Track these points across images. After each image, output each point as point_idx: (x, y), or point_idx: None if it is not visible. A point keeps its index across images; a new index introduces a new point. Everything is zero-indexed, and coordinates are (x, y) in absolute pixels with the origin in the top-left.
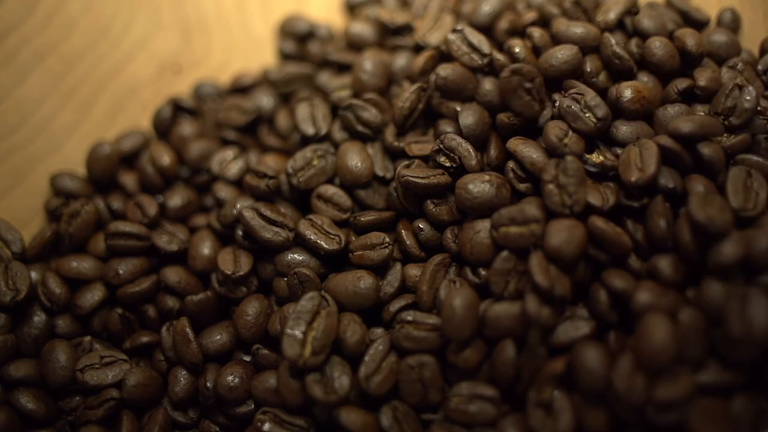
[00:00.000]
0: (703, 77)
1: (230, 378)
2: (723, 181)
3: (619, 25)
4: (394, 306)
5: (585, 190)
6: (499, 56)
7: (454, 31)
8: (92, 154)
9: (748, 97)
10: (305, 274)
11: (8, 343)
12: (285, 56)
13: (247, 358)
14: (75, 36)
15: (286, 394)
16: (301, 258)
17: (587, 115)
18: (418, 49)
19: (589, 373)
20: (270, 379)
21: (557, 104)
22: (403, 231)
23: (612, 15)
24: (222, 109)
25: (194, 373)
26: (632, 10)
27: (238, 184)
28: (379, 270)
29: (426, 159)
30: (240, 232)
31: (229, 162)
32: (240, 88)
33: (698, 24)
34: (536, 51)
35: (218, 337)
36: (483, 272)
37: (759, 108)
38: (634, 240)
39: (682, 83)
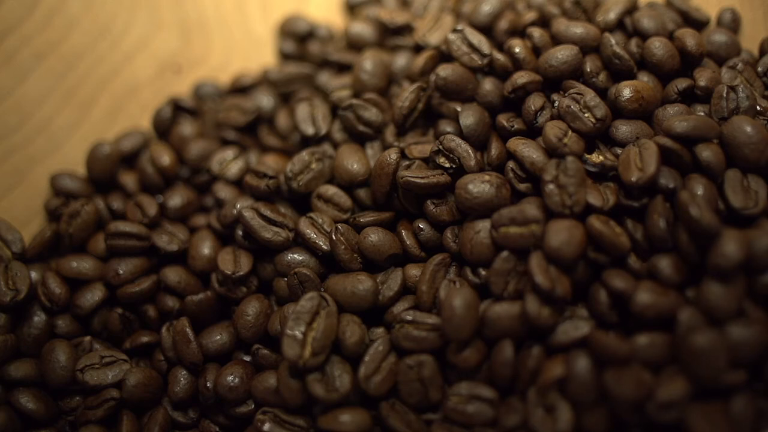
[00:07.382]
0: (703, 77)
1: (230, 378)
2: (721, 182)
3: (619, 25)
4: (398, 308)
5: (585, 190)
6: (499, 56)
7: (454, 31)
8: (92, 154)
9: (744, 95)
10: (305, 274)
11: (8, 343)
12: (285, 56)
13: (247, 358)
14: (75, 36)
15: (286, 394)
16: (301, 258)
17: (586, 115)
18: (418, 49)
19: (581, 384)
20: (270, 379)
21: (556, 104)
22: (403, 231)
23: (612, 15)
24: (222, 109)
25: (194, 373)
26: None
27: (238, 184)
28: (380, 271)
29: (426, 160)
30: (240, 232)
31: (229, 162)
32: (240, 88)
33: (698, 24)
34: (536, 51)
35: (218, 337)
36: (483, 272)
37: (759, 108)
38: (633, 240)
39: (682, 83)
